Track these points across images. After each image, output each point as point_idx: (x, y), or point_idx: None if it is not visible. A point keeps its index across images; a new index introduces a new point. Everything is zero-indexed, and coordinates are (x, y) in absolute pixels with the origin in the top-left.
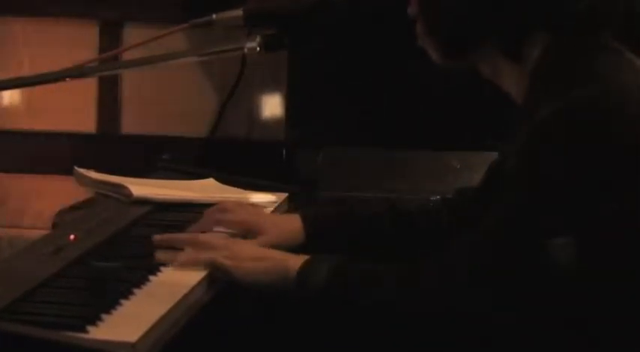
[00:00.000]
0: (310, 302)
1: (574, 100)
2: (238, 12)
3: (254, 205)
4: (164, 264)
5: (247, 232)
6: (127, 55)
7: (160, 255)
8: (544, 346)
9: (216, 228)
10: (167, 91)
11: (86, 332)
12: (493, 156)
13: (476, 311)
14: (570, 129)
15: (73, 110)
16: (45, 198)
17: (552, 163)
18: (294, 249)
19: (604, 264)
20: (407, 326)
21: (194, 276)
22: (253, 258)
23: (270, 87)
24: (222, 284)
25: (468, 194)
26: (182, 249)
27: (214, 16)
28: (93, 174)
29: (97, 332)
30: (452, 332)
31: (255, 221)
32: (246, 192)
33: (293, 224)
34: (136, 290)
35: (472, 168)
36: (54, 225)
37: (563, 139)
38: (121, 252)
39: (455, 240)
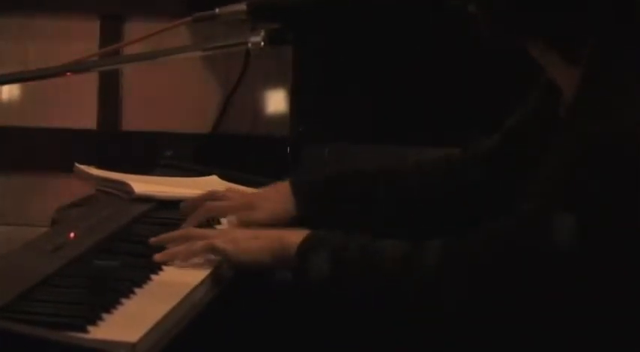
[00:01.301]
0: (311, 286)
1: (624, 126)
2: (242, 5)
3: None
4: (166, 263)
5: (241, 212)
6: (129, 50)
7: (158, 257)
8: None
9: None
10: (169, 87)
11: (86, 331)
12: None
13: (476, 305)
14: (617, 157)
15: (73, 106)
16: (44, 194)
17: (595, 186)
18: (287, 220)
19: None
20: (406, 314)
21: (196, 275)
22: (249, 238)
23: (274, 82)
24: (224, 283)
25: (477, 154)
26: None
27: (217, 9)
28: (94, 171)
29: (98, 332)
30: (449, 327)
31: (247, 201)
32: (250, 189)
33: (283, 194)
34: (137, 290)
35: None
36: (53, 223)
37: (610, 165)
38: (122, 251)
39: (467, 228)
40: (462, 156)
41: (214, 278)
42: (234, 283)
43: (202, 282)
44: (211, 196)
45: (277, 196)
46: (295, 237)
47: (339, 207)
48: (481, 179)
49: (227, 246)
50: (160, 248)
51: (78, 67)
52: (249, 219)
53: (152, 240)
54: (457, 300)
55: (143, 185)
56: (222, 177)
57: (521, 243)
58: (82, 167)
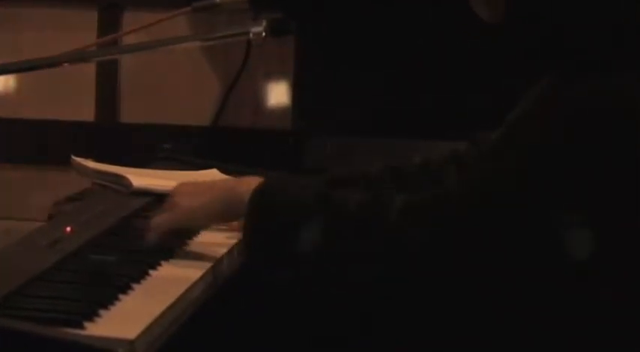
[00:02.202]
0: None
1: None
2: None
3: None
4: (165, 258)
5: None
6: (127, 40)
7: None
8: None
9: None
10: (169, 78)
11: (83, 328)
12: None
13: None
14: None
15: (70, 97)
16: (41, 188)
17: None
18: None
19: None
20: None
21: (196, 271)
22: (198, 194)
23: (276, 73)
24: (224, 279)
25: (482, 147)
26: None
27: None
28: (91, 164)
29: (94, 329)
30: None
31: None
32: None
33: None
34: (135, 285)
35: None
36: (50, 217)
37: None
38: (120, 245)
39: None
40: (468, 152)
41: (214, 273)
42: (234, 279)
43: (201, 278)
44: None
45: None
46: (247, 185)
47: None
48: None
49: (179, 213)
50: (172, 241)
51: (75, 57)
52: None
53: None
54: (420, 243)
55: (141, 178)
56: (222, 170)
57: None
58: (79, 160)
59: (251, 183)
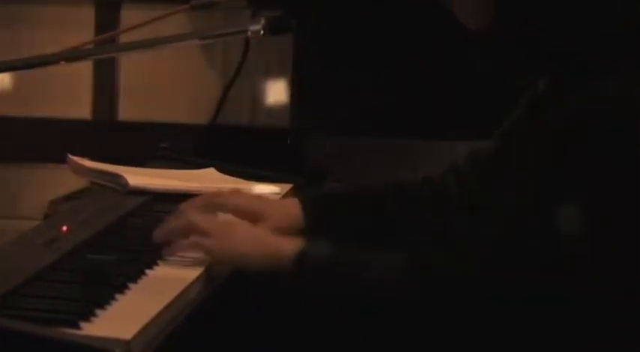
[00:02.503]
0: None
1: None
2: None
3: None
4: (161, 258)
5: (244, 219)
6: (125, 38)
7: (166, 252)
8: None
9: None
10: (166, 76)
11: (79, 328)
12: None
13: (484, 305)
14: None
15: (67, 95)
16: (37, 187)
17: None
18: (294, 233)
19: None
20: (402, 319)
21: (193, 271)
22: (243, 239)
23: (274, 72)
24: (222, 279)
25: (480, 161)
26: None
27: None
28: (87, 163)
29: (91, 329)
30: (456, 327)
31: (252, 206)
32: (249, 182)
33: (292, 208)
34: (131, 285)
35: None
36: (46, 216)
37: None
38: (116, 245)
39: (465, 222)
40: (467, 164)
41: (211, 273)
42: (232, 279)
43: (199, 278)
44: (217, 194)
45: (284, 209)
46: (295, 247)
47: (349, 221)
48: (486, 188)
49: (218, 245)
50: (169, 241)
51: (72, 55)
52: None
53: (154, 235)
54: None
55: (138, 177)
56: (220, 169)
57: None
58: (76, 158)
59: (294, 244)
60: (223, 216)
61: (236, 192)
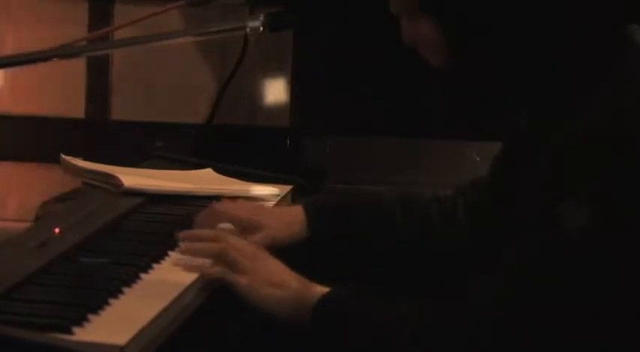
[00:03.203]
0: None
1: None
2: None
3: (254, 199)
4: (156, 261)
5: (246, 228)
6: (119, 34)
7: (184, 247)
8: None
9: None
10: (162, 74)
11: (71, 333)
12: None
13: None
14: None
15: (59, 93)
16: (28, 187)
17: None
18: (297, 242)
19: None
20: None
21: (189, 275)
22: (271, 283)
23: (274, 70)
24: (219, 283)
25: (481, 187)
26: None
27: None
28: (80, 163)
29: (83, 334)
30: None
31: (255, 219)
32: (247, 183)
33: (295, 217)
34: (125, 289)
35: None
36: (37, 218)
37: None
38: (110, 248)
39: (476, 280)
40: (471, 190)
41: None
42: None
43: (196, 282)
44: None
45: (286, 218)
46: (318, 295)
47: (354, 231)
48: (488, 213)
49: (245, 284)
50: (164, 244)
51: (65, 52)
52: (253, 240)
53: (181, 234)
54: None
55: (133, 178)
56: (218, 170)
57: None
58: (69, 158)
59: (318, 292)
60: (223, 225)
61: (236, 202)
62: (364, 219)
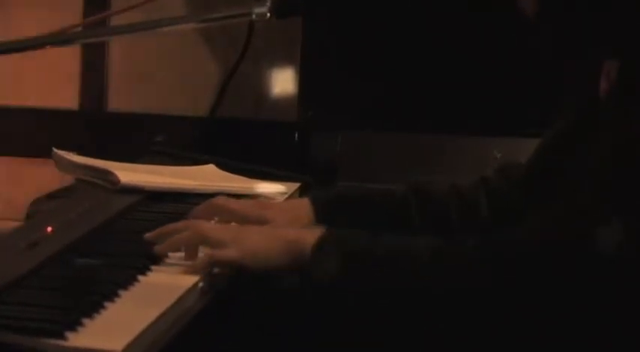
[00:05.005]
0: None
1: None
2: None
3: (259, 197)
4: (155, 263)
5: (251, 223)
6: (116, 20)
7: (158, 248)
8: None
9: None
10: (162, 63)
11: (65, 338)
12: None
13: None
14: None
15: (52, 83)
16: (19, 184)
17: None
18: None
19: None
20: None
21: (189, 278)
22: (260, 242)
23: (281, 60)
24: (220, 286)
25: (512, 176)
26: None
27: None
28: (74, 158)
29: (78, 339)
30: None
31: (260, 213)
32: (252, 180)
33: (302, 210)
34: (122, 292)
35: (515, 158)
36: (28, 216)
37: None
38: (106, 248)
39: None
40: (498, 179)
41: (208, 280)
42: (232, 286)
43: (196, 285)
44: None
45: (294, 212)
46: (311, 235)
47: (364, 226)
48: (518, 205)
49: (237, 258)
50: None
51: (59, 39)
52: None
53: (147, 235)
54: (487, 296)
55: (130, 174)
56: (221, 166)
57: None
58: (62, 153)
59: (315, 233)
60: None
61: (242, 200)
62: (375, 212)
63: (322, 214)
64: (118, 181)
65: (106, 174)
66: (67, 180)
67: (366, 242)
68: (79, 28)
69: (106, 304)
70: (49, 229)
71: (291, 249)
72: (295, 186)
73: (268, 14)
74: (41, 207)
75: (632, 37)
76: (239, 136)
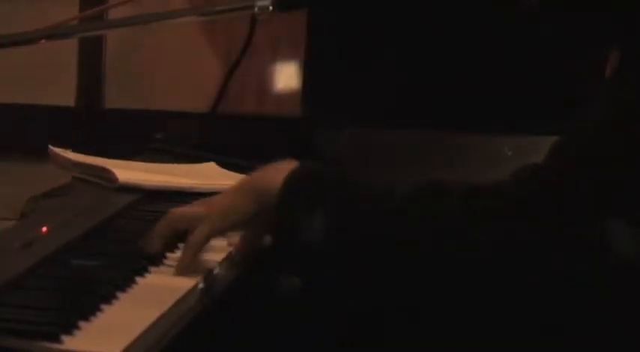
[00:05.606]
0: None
1: None
2: None
3: None
4: (154, 264)
5: None
6: (114, 14)
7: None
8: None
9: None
10: (161, 58)
11: (60, 342)
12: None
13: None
14: None
15: (48, 78)
16: (13, 182)
17: None
18: None
19: None
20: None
21: (189, 279)
22: (223, 195)
23: (284, 53)
24: (220, 288)
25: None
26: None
27: None
28: (71, 155)
29: (73, 343)
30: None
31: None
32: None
33: None
34: (119, 294)
35: (527, 157)
36: (23, 215)
37: None
38: (103, 249)
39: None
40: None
41: (209, 281)
42: (232, 288)
43: (195, 287)
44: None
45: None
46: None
47: None
48: None
49: (215, 225)
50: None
51: (54, 33)
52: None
53: (140, 243)
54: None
55: (128, 172)
56: (222, 164)
57: None
58: (58, 150)
59: (278, 168)
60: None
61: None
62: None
63: None
64: (116, 179)
65: (103, 171)
66: (63, 178)
67: (356, 177)
68: (75, 22)
69: (103, 306)
70: (45, 229)
71: (260, 190)
72: None
73: (271, 7)
74: (36, 206)
75: (634, 25)
76: (241, 133)
